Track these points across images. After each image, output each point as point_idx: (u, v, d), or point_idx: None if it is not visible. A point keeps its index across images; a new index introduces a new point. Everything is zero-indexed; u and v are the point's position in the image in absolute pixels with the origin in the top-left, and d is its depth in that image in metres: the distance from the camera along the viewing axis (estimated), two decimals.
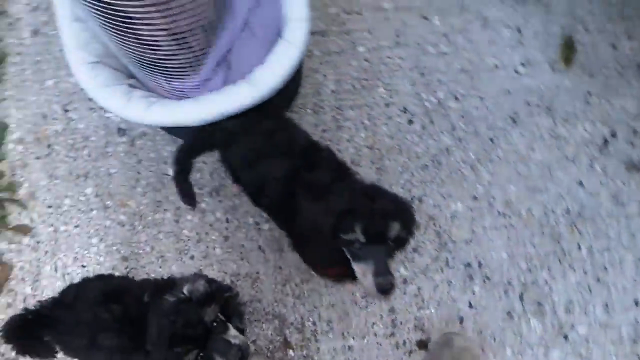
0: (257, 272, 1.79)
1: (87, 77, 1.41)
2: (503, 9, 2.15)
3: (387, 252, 1.03)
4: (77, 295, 1.28)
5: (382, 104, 1.99)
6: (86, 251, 1.84)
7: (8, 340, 1.23)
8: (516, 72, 2.06)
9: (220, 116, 1.35)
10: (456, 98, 2.01)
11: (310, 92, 1.99)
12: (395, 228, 1.00)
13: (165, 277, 1.34)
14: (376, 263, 1.00)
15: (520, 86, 2.03)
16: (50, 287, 1.79)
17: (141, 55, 1.27)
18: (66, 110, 2.01)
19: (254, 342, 1.71)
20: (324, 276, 1.58)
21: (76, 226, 1.87)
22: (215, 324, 1.09)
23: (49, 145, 1.97)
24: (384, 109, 1.99)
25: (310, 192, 1.16)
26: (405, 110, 1.98)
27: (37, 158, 1.96)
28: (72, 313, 1.24)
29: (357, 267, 1.05)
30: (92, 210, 1.89)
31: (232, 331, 1.12)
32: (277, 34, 1.42)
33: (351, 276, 1.10)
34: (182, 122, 1.37)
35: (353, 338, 1.71)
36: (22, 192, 1.92)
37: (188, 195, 1.47)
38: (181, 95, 1.47)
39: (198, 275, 1.16)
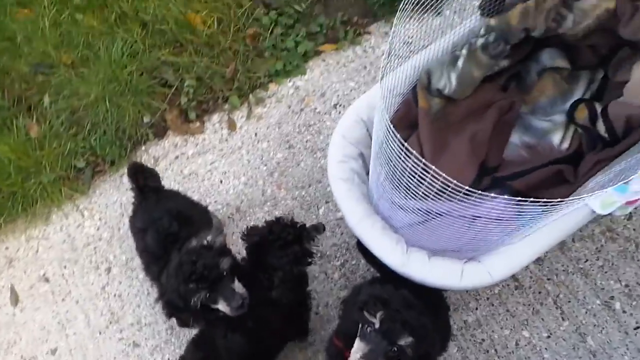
0: None
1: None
2: None
3: (386, 351, 1.11)
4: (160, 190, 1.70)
5: None
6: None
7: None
8: None
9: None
10: None
11: None
12: (407, 340, 1.09)
13: None
14: (371, 350, 1.11)
15: None
16: None
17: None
18: None
19: None
20: None
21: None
22: (225, 274, 1.28)
23: None
24: None
25: None
26: None
27: None
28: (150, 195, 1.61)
29: (357, 344, 1.15)
30: None
31: (237, 283, 1.33)
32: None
33: None
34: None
35: None
36: None
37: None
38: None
39: (221, 231, 1.46)
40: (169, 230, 1.48)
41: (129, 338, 1.85)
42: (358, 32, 2.21)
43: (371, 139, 1.64)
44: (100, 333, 1.87)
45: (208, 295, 1.26)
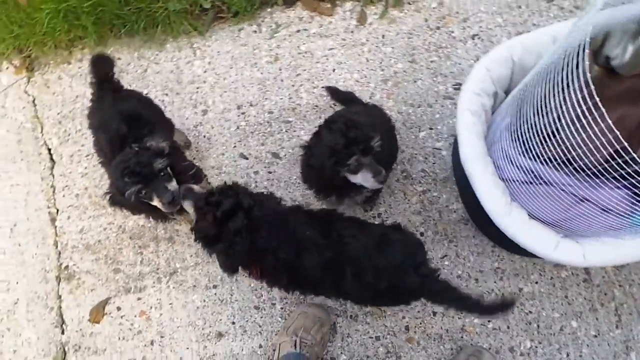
0: None
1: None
2: None
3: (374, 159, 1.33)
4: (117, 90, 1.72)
5: None
6: None
7: None
8: None
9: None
10: None
11: None
12: (375, 140, 1.30)
13: None
14: (371, 167, 1.31)
15: None
16: None
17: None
18: None
19: None
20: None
21: None
22: (162, 174, 1.40)
23: None
24: None
25: None
26: None
27: None
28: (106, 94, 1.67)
29: (359, 177, 1.35)
30: None
31: (174, 182, 1.44)
32: None
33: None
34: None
35: None
36: None
37: None
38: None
39: (165, 141, 1.49)
40: (118, 131, 1.53)
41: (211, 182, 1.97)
42: None
43: (511, 82, 1.56)
44: None
45: (143, 191, 1.37)
